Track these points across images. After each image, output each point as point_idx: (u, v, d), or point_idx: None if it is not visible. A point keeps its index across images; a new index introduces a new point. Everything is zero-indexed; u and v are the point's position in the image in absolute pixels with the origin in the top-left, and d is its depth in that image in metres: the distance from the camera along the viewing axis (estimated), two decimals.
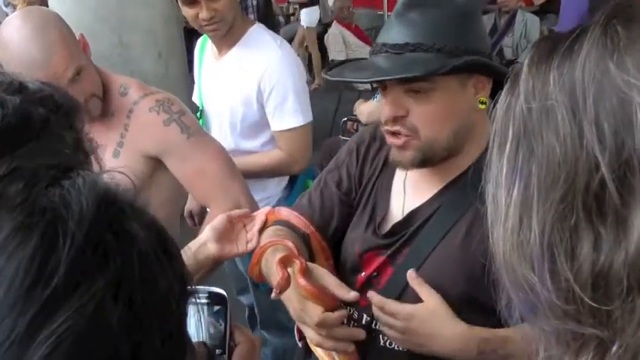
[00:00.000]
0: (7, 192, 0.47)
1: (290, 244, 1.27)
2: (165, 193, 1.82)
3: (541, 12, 7.00)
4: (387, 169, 1.36)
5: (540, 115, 0.54)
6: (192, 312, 0.80)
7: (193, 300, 0.80)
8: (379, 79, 1.19)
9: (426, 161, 1.22)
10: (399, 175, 1.34)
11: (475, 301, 1.14)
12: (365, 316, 1.31)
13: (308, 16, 8.25)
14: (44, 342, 0.42)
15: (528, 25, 5.50)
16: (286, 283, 1.14)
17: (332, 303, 1.13)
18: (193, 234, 1.92)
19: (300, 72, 2.27)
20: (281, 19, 9.53)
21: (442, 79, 1.15)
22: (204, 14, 2.07)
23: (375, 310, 1.19)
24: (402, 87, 1.17)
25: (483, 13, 3.70)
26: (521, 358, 1.11)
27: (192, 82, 2.56)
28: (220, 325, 0.81)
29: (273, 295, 1.13)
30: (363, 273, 1.32)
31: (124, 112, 1.71)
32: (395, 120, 1.19)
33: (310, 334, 1.16)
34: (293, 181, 2.40)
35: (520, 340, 1.10)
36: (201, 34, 2.39)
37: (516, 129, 0.57)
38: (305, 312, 1.14)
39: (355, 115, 3.94)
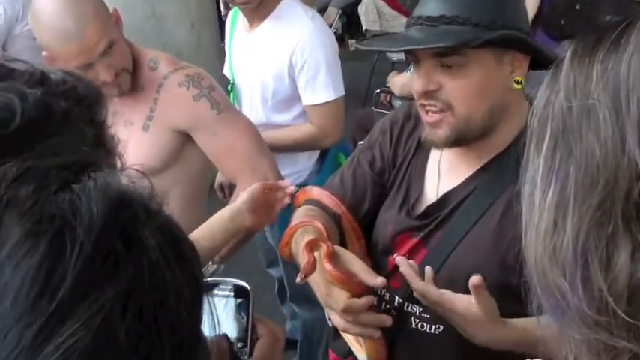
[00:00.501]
0: (17, 195, 0.46)
1: (320, 225, 1.26)
2: (193, 168, 1.84)
3: None
4: (421, 150, 1.34)
5: (581, 114, 0.51)
6: (214, 304, 0.81)
7: (216, 292, 0.79)
8: (408, 48, 1.15)
9: (459, 140, 1.19)
10: (434, 156, 1.32)
11: (508, 287, 1.11)
12: (397, 297, 1.30)
13: None
14: (51, 355, 0.41)
15: None
16: (312, 267, 1.13)
17: (358, 289, 1.11)
18: (223, 207, 1.94)
19: (332, 45, 2.24)
20: None
21: (476, 53, 1.11)
22: None
23: (418, 296, 1.15)
24: (435, 60, 1.13)
25: None
26: (553, 345, 1.10)
27: (225, 53, 2.55)
28: (243, 317, 0.81)
29: (297, 279, 1.12)
30: (395, 254, 1.31)
31: (154, 87, 1.72)
32: (426, 94, 1.16)
33: (336, 319, 1.14)
34: (324, 155, 2.38)
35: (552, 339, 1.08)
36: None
37: (555, 127, 0.54)
38: (331, 297, 1.13)
39: (388, 87, 3.89)
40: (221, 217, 1.42)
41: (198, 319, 0.54)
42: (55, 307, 0.42)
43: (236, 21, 2.43)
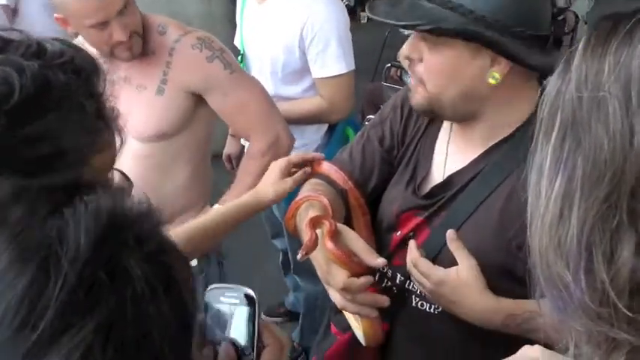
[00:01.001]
0: (9, 217, 0.46)
1: (325, 200, 1.26)
2: (201, 132, 1.87)
3: None
4: (431, 128, 1.33)
5: (591, 106, 0.51)
6: (221, 311, 0.81)
7: (223, 299, 0.80)
8: (375, 17, 1.18)
9: (433, 113, 1.22)
10: (443, 135, 1.31)
11: (512, 271, 1.12)
12: (399, 275, 1.30)
13: None
14: None
15: None
16: (313, 244, 1.13)
17: (358, 269, 1.11)
18: (231, 177, 1.95)
19: (344, 18, 2.22)
20: None
21: (448, 38, 1.11)
22: None
23: (409, 265, 1.19)
24: (419, 32, 1.15)
25: None
26: (547, 332, 1.11)
27: (236, 25, 2.53)
28: (249, 325, 0.80)
29: (299, 256, 1.13)
30: (399, 232, 1.31)
31: (166, 50, 1.75)
32: (409, 60, 1.18)
33: (334, 297, 1.15)
34: (332, 128, 2.37)
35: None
36: None
37: (564, 117, 0.54)
38: (331, 275, 1.13)
39: (399, 62, 3.85)
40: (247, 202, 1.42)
41: (184, 353, 0.52)
42: (37, 338, 0.42)
43: None
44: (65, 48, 0.66)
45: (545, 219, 0.54)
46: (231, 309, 0.81)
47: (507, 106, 1.19)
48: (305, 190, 1.37)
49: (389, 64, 4.13)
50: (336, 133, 2.38)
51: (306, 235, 1.15)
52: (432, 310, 1.27)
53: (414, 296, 1.29)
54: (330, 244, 1.12)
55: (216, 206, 1.69)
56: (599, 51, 0.52)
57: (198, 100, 1.79)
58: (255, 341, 0.80)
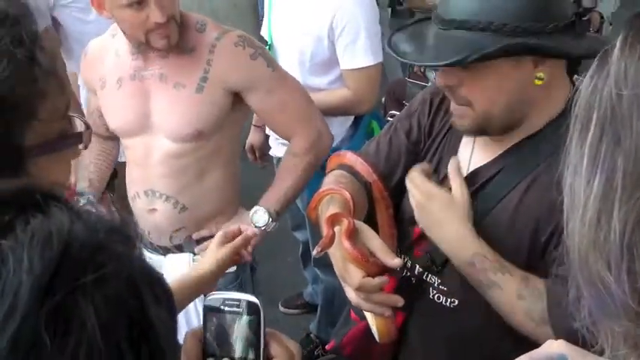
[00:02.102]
0: None
1: (347, 195, 1.27)
2: (233, 131, 1.86)
3: None
4: None
5: (632, 104, 0.50)
6: (221, 322, 0.75)
7: (224, 308, 0.74)
8: (407, 61, 1.24)
9: (482, 131, 1.21)
10: None
11: (526, 269, 1.14)
12: (417, 266, 1.31)
13: None
14: None
15: None
16: (330, 242, 1.15)
17: (374, 268, 1.12)
18: (253, 169, 1.94)
19: (374, 11, 2.24)
20: None
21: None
22: None
23: (407, 177, 1.23)
24: None
25: None
26: (507, 298, 1.11)
27: (260, 16, 2.54)
28: (254, 336, 0.74)
29: (314, 252, 1.15)
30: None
31: (206, 47, 1.71)
32: (448, 88, 1.18)
33: (350, 294, 1.16)
34: (357, 121, 2.38)
35: (517, 278, 1.11)
36: None
37: (602, 114, 0.53)
38: (347, 273, 1.14)
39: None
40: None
41: None
42: None
43: None
44: None
45: (584, 219, 0.54)
46: (233, 319, 0.75)
47: (547, 100, 1.18)
48: (329, 182, 1.37)
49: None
50: (361, 126, 2.38)
51: (324, 232, 1.17)
52: (447, 304, 1.28)
53: (431, 288, 1.30)
54: (346, 244, 1.13)
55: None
56: (639, 48, 0.51)
57: (235, 99, 1.76)
58: (262, 353, 0.74)
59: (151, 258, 1.85)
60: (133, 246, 0.45)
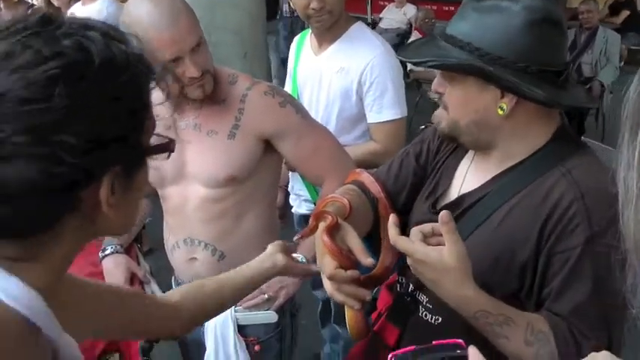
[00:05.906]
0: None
1: (346, 201, 1.39)
2: (270, 179, 1.92)
3: (623, 29, 6.85)
4: (459, 150, 1.43)
5: None
6: None
7: None
8: (402, 59, 1.38)
9: (453, 138, 1.32)
10: (467, 157, 1.41)
11: (506, 289, 1.21)
12: (410, 285, 1.40)
13: None
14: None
15: (609, 42, 5.39)
16: (310, 232, 1.32)
17: (346, 262, 1.22)
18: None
19: (399, 68, 2.33)
20: None
21: (458, 74, 1.23)
22: (314, 4, 2.19)
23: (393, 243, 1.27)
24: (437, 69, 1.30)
25: None
26: (514, 346, 1.15)
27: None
28: None
29: (295, 237, 1.33)
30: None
31: (238, 98, 1.79)
32: (437, 93, 1.31)
33: (325, 283, 1.25)
34: None
35: (521, 327, 1.14)
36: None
37: None
38: (323, 263, 1.25)
39: (431, 123, 3.95)
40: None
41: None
42: None
43: (302, 45, 2.54)
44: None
45: (638, 209, 0.58)
46: None
47: (518, 137, 1.27)
48: (337, 192, 1.49)
49: (423, 126, 4.24)
50: None
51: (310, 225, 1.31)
52: (432, 321, 1.34)
53: (420, 306, 1.37)
54: (325, 237, 1.24)
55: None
56: None
57: (266, 146, 1.82)
58: None
59: None
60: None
